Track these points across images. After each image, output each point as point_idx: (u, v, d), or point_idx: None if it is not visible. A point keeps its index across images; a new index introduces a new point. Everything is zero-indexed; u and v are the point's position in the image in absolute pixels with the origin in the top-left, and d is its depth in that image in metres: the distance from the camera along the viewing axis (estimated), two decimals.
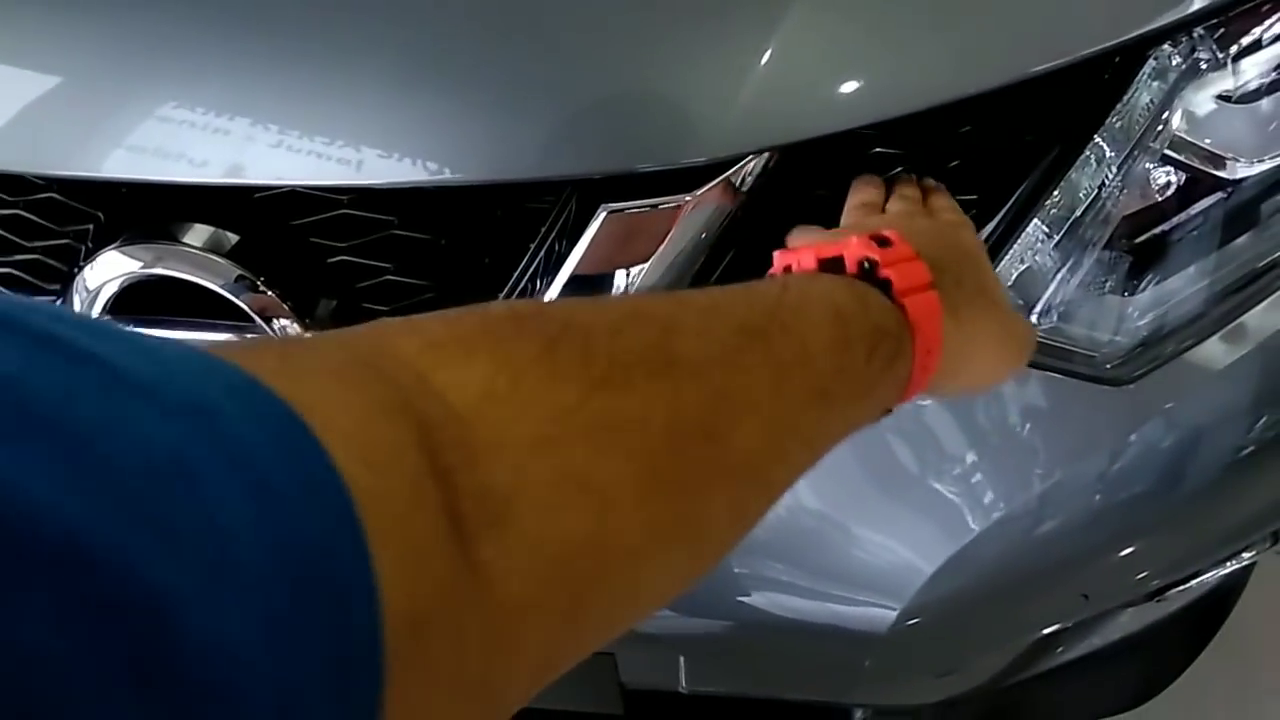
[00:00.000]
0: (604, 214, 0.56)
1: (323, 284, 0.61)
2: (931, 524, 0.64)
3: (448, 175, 0.54)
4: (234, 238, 0.60)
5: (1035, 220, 0.60)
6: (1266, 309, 0.64)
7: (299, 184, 0.58)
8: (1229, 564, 0.82)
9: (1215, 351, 0.64)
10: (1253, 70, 0.62)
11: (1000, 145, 0.61)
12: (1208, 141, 0.62)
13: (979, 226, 0.60)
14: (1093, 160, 0.60)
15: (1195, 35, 0.60)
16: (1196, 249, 0.63)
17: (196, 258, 0.59)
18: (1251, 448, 0.66)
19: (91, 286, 0.60)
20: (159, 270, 0.59)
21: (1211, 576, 0.84)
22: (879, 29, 0.57)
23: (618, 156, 0.55)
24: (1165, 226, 0.63)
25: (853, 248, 0.42)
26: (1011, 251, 0.61)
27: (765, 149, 0.57)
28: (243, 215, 0.60)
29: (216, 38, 0.56)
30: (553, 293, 0.58)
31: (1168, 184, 0.62)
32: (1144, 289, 0.63)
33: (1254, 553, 0.83)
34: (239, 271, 0.59)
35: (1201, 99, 0.61)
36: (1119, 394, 0.63)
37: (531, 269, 0.59)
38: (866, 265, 0.42)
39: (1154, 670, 0.95)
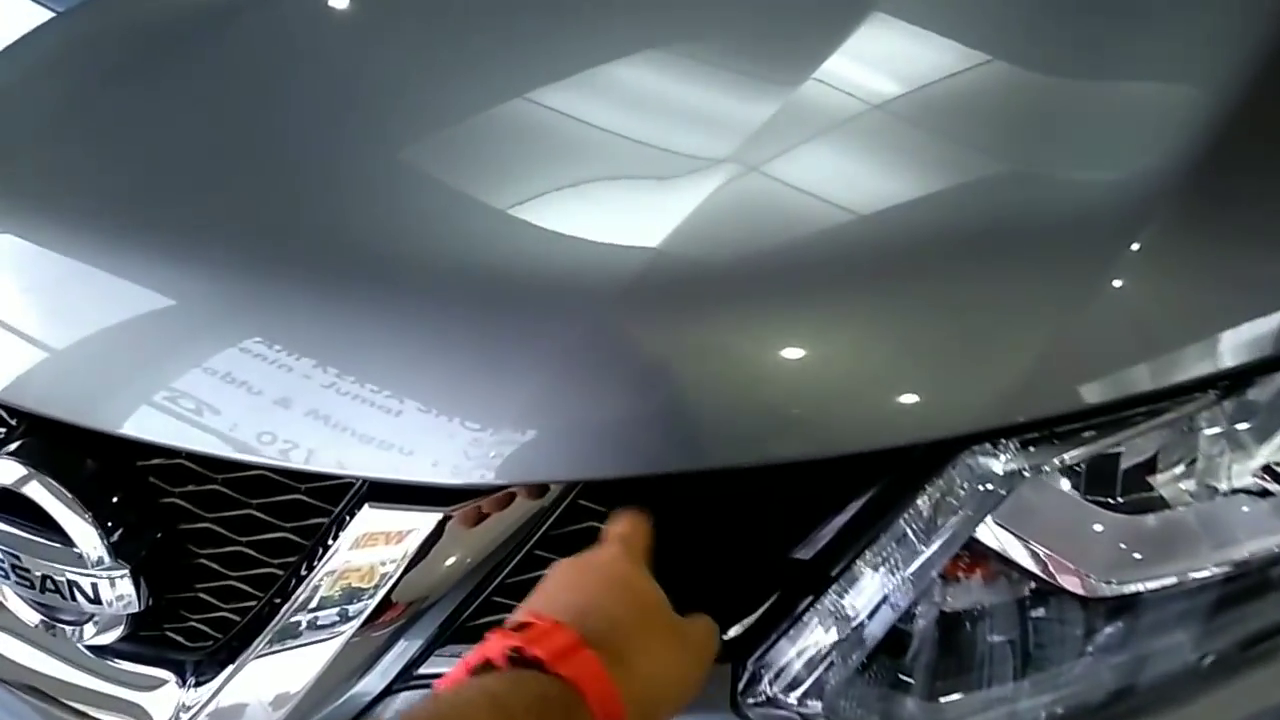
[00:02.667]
0: (364, 511, 0.58)
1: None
2: None
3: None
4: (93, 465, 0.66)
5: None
6: None
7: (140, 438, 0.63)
8: None
9: None
10: (1103, 482, 0.57)
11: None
12: (1045, 550, 0.56)
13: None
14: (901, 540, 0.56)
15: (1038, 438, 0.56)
16: (1007, 665, 0.57)
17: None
18: None
19: None
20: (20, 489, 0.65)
21: None
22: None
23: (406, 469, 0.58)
24: (976, 631, 0.57)
25: (492, 645, 0.46)
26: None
27: (514, 485, 0.58)
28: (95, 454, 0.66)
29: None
30: (316, 578, 0.60)
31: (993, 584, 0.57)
32: (946, 695, 0.57)
33: None
34: (73, 499, 0.64)
35: (1047, 501, 0.57)
36: None
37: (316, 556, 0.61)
38: (513, 654, 0.45)
39: None
